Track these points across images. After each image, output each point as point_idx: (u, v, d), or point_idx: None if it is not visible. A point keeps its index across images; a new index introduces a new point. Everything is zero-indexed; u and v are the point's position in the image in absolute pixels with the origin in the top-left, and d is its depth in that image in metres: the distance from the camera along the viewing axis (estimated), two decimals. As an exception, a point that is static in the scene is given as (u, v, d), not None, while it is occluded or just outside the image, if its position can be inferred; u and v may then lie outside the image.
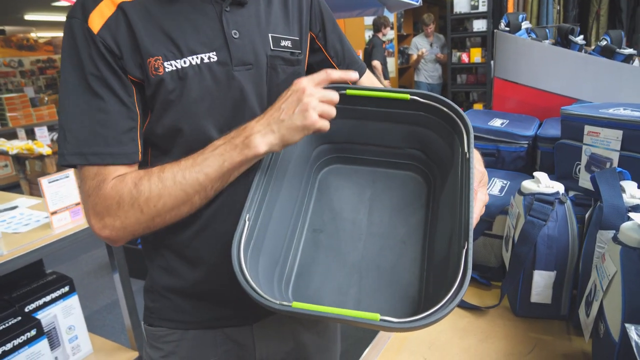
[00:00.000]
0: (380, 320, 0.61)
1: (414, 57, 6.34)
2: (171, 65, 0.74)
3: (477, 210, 0.74)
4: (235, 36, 0.79)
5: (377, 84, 1.06)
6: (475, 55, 6.14)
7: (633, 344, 0.52)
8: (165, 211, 0.73)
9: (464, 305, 1.00)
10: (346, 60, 0.99)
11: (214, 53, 0.77)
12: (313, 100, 0.70)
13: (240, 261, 0.68)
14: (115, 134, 0.73)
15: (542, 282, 0.90)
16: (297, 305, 0.63)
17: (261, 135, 0.70)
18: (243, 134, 0.71)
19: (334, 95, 0.73)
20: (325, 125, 0.71)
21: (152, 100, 0.76)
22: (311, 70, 0.97)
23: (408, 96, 0.82)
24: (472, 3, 5.77)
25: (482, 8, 5.74)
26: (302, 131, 0.70)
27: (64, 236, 1.81)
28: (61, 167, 0.79)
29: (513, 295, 0.96)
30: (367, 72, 1.04)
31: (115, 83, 0.73)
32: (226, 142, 0.72)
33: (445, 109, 0.81)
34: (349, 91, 0.85)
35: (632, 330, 0.53)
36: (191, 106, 0.77)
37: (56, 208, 1.80)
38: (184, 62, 0.75)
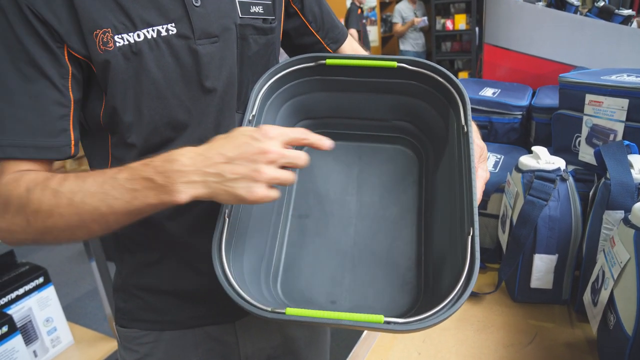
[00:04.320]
0: (385, 322, 0.54)
1: (399, 25, 6.15)
2: (123, 39, 0.63)
3: (478, 189, 0.67)
4: (196, 4, 0.68)
5: (361, 52, 0.96)
6: (460, 22, 6.00)
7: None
8: (57, 231, 0.60)
9: (458, 292, 0.94)
10: (325, 25, 0.88)
11: (172, 25, 0.66)
12: (270, 170, 0.55)
13: (223, 266, 0.60)
14: (42, 123, 0.62)
15: (543, 267, 0.84)
16: (292, 311, 0.56)
17: (188, 185, 0.55)
18: (166, 174, 0.55)
19: (301, 161, 0.59)
20: (271, 197, 0.57)
21: (104, 81, 0.65)
22: (287, 38, 0.87)
23: (395, 64, 0.74)
24: (456, -33, 5.60)
25: (466, -28, 5.57)
26: (238, 201, 0.56)
27: (33, 226, 1.70)
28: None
29: (511, 280, 0.90)
30: (350, 39, 0.94)
31: (46, 61, 0.61)
32: (145, 175, 0.56)
33: (437, 76, 0.73)
34: (329, 61, 0.76)
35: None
36: (150, 87, 0.66)
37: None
38: (138, 36, 0.64)
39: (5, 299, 1.72)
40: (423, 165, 0.83)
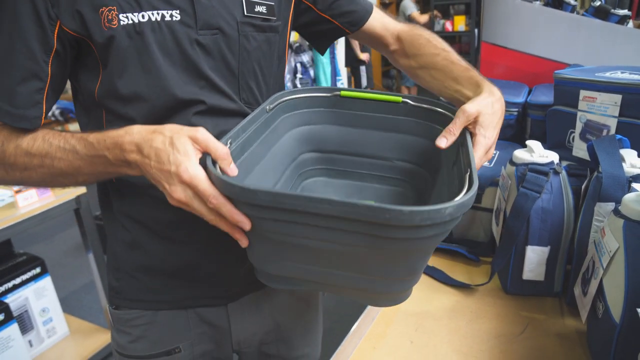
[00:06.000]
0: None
1: (415, 13, 6.05)
2: (127, 18, 0.65)
3: (477, 157, 0.66)
4: None
5: (391, 23, 0.92)
6: (459, 23, 6.00)
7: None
8: (33, 181, 0.70)
9: (452, 283, 0.95)
10: (342, 8, 0.87)
11: (177, 12, 0.68)
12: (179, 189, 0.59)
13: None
14: (20, 93, 0.66)
15: (535, 259, 0.85)
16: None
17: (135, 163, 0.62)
18: (119, 158, 0.63)
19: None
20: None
21: (104, 58, 0.67)
22: (305, 28, 0.90)
23: (400, 99, 0.79)
24: (457, -32, 5.60)
25: (467, -27, 5.57)
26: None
27: (30, 215, 1.71)
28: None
29: (504, 272, 0.91)
30: (376, 11, 0.91)
31: (33, 34, 0.64)
32: (101, 153, 0.64)
33: (440, 110, 0.77)
34: (343, 92, 0.80)
35: (643, 316, 0.48)
36: (149, 65, 0.68)
37: (20, 186, 1.70)
38: (142, 17, 0.66)
39: (1, 288, 1.72)
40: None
